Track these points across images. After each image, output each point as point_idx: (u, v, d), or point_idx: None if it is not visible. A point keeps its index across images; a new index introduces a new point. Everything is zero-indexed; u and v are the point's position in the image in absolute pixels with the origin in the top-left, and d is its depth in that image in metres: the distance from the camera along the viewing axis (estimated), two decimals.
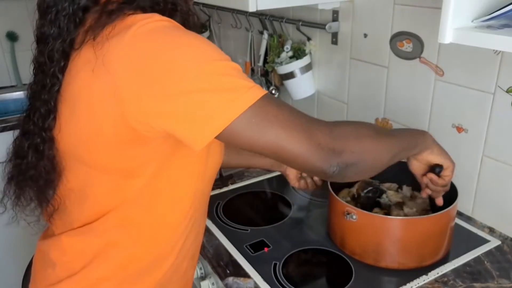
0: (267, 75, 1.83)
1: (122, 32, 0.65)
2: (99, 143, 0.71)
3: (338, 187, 1.12)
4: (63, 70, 0.71)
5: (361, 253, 1.03)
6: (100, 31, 0.67)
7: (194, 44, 0.67)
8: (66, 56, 0.71)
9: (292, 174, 1.14)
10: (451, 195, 1.02)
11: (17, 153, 0.80)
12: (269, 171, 1.46)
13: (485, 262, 1.03)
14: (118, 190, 0.76)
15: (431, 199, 1.04)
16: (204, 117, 0.65)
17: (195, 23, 0.79)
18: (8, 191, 0.83)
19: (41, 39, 0.73)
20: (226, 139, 0.67)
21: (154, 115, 0.66)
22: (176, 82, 0.64)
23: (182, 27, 0.70)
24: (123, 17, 0.68)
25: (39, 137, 0.75)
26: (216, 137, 0.66)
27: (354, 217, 0.99)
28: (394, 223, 1.00)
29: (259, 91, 0.69)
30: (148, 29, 0.65)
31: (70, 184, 0.79)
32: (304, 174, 1.14)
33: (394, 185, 1.19)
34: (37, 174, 0.77)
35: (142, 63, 0.64)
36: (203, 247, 1.12)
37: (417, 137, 0.91)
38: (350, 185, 1.17)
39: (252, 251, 1.08)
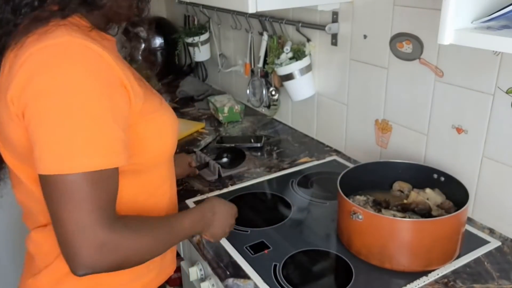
0: (267, 76, 1.83)
1: (34, 43, 0.69)
2: (11, 138, 0.76)
3: (349, 188, 1.11)
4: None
5: (367, 254, 1.03)
6: (24, 37, 0.71)
7: (77, 87, 0.68)
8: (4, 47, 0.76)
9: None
10: (461, 198, 1.02)
11: None
12: (269, 173, 1.46)
13: (485, 263, 1.03)
14: None
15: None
16: (42, 152, 0.68)
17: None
18: None
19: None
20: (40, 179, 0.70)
21: (27, 125, 0.70)
22: (36, 116, 0.68)
23: (84, 58, 0.70)
24: (45, 27, 0.71)
25: None
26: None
27: (360, 217, 0.99)
28: (400, 224, 0.99)
29: (99, 162, 0.69)
30: (47, 52, 0.69)
31: (25, 186, 0.83)
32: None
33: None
34: None
35: (27, 81, 0.68)
36: (203, 248, 1.12)
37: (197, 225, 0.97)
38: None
39: (252, 252, 1.08)
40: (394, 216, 1.04)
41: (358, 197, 1.14)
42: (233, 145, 1.63)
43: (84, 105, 0.68)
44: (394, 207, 1.10)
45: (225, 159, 1.47)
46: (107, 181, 0.70)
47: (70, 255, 0.69)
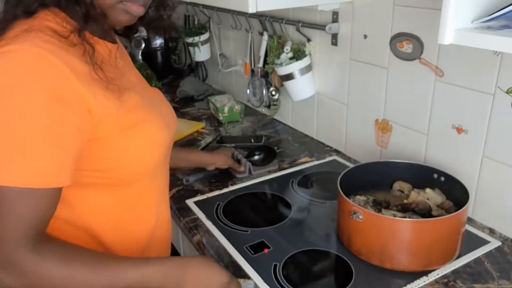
0: (267, 76, 1.83)
1: None
2: None
3: (349, 188, 1.10)
4: None
5: (367, 254, 1.03)
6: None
7: (16, 101, 0.65)
8: None
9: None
10: (461, 198, 1.02)
11: None
12: (269, 173, 1.46)
13: (486, 263, 1.03)
14: None
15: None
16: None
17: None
18: None
19: None
20: None
21: None
22: None
23: (28, 69, 0.66)
24: (14, 30, 0.70)
25: None
26: None
27: (360, 217, 0.99)
28: (400, 224, 0.99)
29: (30, 179, 0.66)
30: (1, 68, 0.66)
31: None
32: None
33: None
34: None
35: None
36: (203, 248, 1.12)
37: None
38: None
39: (252, 252, 1.08)
40: (394, 216, 1.04)
41: (358, 197, 1.14)
42: (256, 145, 1.65)
43: (26, 121, 0.64)
44: (394, 207, 1.10)
45: (256, 157, 1.50)
46: (37, 200, 0.66)
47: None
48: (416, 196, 1.11)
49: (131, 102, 0.79)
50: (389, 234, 0.99)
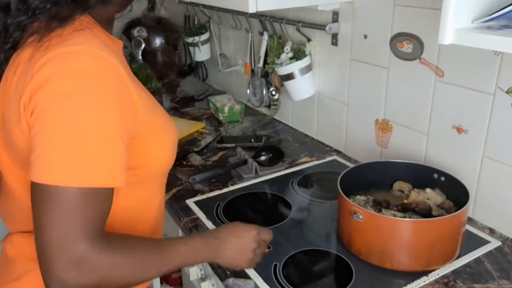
0: (267, 76, 1.83)
1: (57, 46, 0.69)
2: (14, 142, 0.74)
3: (349, 188, 1.10)
4: (9, 53, 0.77)
5: (367, 254, 1.03)
6: (46, 36, 0.70)
7: (89, 105, 0.67)
8: (9, 54, 0.77)
9: None
10: (461, 198, 1.02)
11: None
12: (269, 173, 1.46)
13: (486, 263, 1.03)
14: None
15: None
16: (37, 162, 0.66)
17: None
18: None
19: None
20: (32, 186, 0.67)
21: (32, 130, 0.68)
22: (42, 124, 0.66)
23: (99, 74, 0.69)
24: (69, 26, 0.71)
25: None
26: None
27: (360, 217, 0.99)
28: (400, 224, 0.99)
29: (96, 179, 0.67)
30: (64, 64, 0.68)
31: (14, 194, 0.82)
32: None
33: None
34: None
35: (41, 88, 0.67)
36: None
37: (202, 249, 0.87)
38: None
39: None
40: (394, 216, 1.04)
41: (358, 197, 1.14)
42: (256, 145, 1.65)
43: (95, 119, 0.67)
44: (395, 207, 1.10)
45: (263, 157, 1.50)
46: (100, 199, 0.68)
47: (45, 267, 0.66)
48: (416, 196, 1.11)
49: (150, 102, 0.82)
50: (389, 234, 0.99)
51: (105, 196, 0.69)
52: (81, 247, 0.66)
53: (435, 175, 1.14)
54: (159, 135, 0.84)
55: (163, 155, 0.87)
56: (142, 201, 0.89)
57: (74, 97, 0.66)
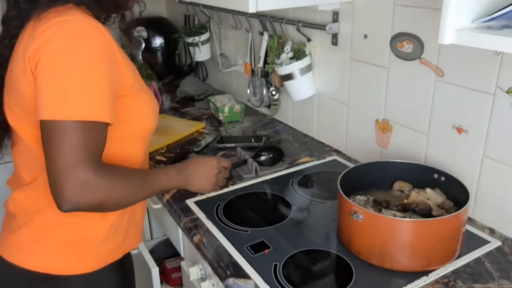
0: (267, 76, 1.83)
1: (56, 18, 0.83)
2: (21, 93, 0.87)
3: (349, 188, 1.10)
4: (12, 46, 0.92)
5: (367, 254, 1.03)
6: (46, 11, 0.86)
7: (84, 52, 0.83)
8: (17, 34, 0.91)
9: None
10: (461, 198, 1.02)
11: None
12: (271, 173, 1.46)
13: (486, 263, 1.03)
14: None
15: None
16: (45, 101, 0.80)
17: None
18: None
19: (4, 21, 0.95)
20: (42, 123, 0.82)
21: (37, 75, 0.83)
22: (47, 67, 0.82)
23: (91, 33, 0.85)
24: (62, 7, 0.87)
25: None
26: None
27: (361, 217, 0.99)
28: (400, 224, 0.99)
29: (95, 113, 0.82)
30: (66, 25, 0.83)
31: (22, 144, 0.94)
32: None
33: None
34: None
35: (44, 42, 0.82)
36: (203, 248, 1.12)
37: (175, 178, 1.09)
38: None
39: (252, 252, 1.08)
40: (395, 216, 1.04)
41: (358, 197, 1.14)
42: (256, 145, 1.65)
43: (88, 67, 0.81)
44: (395, 207, 1.10)
45: (263, 157, 1.50)
46: (96, 131, 0.82)
47: (56, 190, 0.79)
48: (416, 196, 1.11)
49: (134, 72, 0.97)
50: (389, 234, 0.99)
51: (100, 129, 0.83)
52: (85, 171, 0.79)
53: (435, 175, 1.14)
54: (141, 98, 0.98)
55: (144, 116, 1.00)
56: (126, 155, 0.99)
57: (71, 51, 0.81)
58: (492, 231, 1.14)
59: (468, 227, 1.16)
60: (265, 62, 1.77)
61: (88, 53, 0.82)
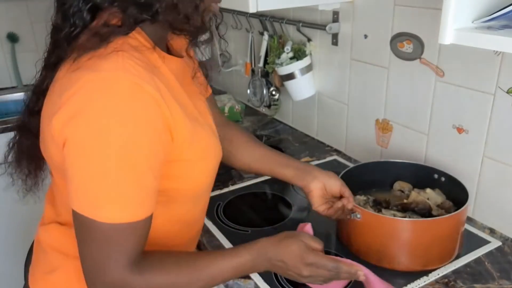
0: (267, 76, 1.83)
1: (91, 69, 0.66)
2: (49, 150, 0.76)
3: (349, 188, 1.08)
4: (54, 69, 0.75)
5: (366, 253, 1.03)
6: (83, 54, 0.68)
7: (123, 137, 0.66)
8: (59, 60, 0.74)
9: (316, 192, 0.98)
10: (461, 198, 1.02)
11: (20, 130, 0.88)
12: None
13: (486, 263, 1.03)
14: None
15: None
16: (82, 197, 0.67)
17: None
18: (12, 164, 0.91)
19: (53, 31, 0.77)
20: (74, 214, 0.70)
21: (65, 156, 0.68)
22: (84, 159, 0.66)
23: (136, 103, 0.66)
24: (108, 46, 0.68)
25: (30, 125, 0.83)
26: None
27: (358, 216, 0.99)
28: (399, 224, 0.99)
29: (132, 214, 0.68)
30: (102, 91, 0.66)
31: (54, 179, 0.84)
32: (330, 197, 1.00)
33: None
34: (29, 157, 0.87)
35: (75, 116, 0.66)
36: (203, 248, 1.12)
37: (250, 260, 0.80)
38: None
39: None
40: (394, 215, 1.04)
41: (358, 196, 1.14)
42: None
43: (126, 156, 0.66)
44: (394, 207, 1.10)
45: None
46: (135, 230, 0.69)
47: (89, 282, 0.70)
48: (416, 196, 1.11)
49: (193, 130, 0.77)
50: (388, 234, 0.99)
51: (141, 226, 0.69)
52: (118, 274, 0.68)
53: (435, 175, 1.14)
54: (194, 163, 0.80)
55: (195, 181, 0.83)
56: (171, 218, 0.84)
57: (105, 133, 0.65)
58: (492, 231, 1.14)
59: (468, 227, 1.16)
60: (265, 62, 1.77)
61: (126, 134, 0.65)
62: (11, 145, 0.90)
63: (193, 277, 0.75)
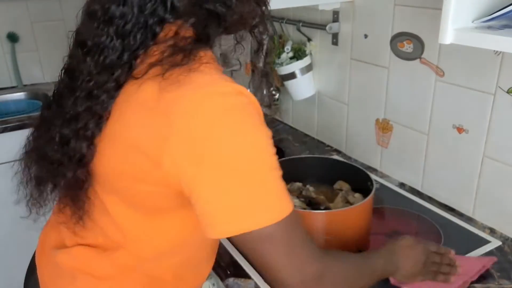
0: (267, 76, 1.83)
1: (194, 84, 0.63)
2: (131, 177, 0.70)
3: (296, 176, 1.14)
4: (116, 91, 0.68)
5: None
6: (172, 70, 0.63)
7: (255, 141, 0.65)
8: (123, 79, 0.68)
9: None
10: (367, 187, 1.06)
11: (46, 155, 0.76)
12: None
13: None
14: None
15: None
16: (235, 214, 0.64)
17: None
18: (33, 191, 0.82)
19: (93, 47, 0.68)
20: (234, 237, 0.66)
21: (190, 185, 0.64)
22: (225, 172, 0.63)
23: (250, 110, 0.65)
24: (196, 60, 0.65)
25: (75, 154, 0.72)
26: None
27: None
28: (311, 216, 1.00)
29: (290, 206, 0.67)
30: (218, 104, 0.62)
31: (96, 200, 0.77)
32: None
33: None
34: (71, 182, 0.74)
35: (202, 136, 0.62)
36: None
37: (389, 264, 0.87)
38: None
39: None
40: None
41: (297, 183, 1.19)
42: None
43: (266, 160, 0.65)
44: (302, 198, 1.14)
45: None
46: (297, 220, 0.69)
47: (294, 284, 0.68)
48: (339, 198, 1.13)
49: None
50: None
51: (297, 216, 0.69)
52: (313, 268, 0.69)
53: (369, 183, 1.09)
54: None
55: None
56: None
57: (244, 144, 0.64)
58: (492, 231, 1.14)
59: (469, 226, 1.16)
60: (265, 62, 1.77)
61: (260, 139, 0.65)
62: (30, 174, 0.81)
63: (360, 271, 0.80)
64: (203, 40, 0.70)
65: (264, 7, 0.76)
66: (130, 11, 0.67)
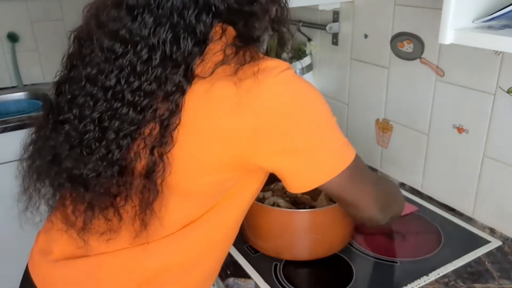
0: None
1: (266, 74, 0.68)
2: (196, 171, 0.72)
3: None
4: (183, 94, 0.68)
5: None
6: (242, 68, 0.68)
7: (319, 103, 0.77)
8: (189, 79, 0.68)
9: None
10: None
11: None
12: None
13: (486, 263, 1.03)
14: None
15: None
16: (314, 170, 0.75)
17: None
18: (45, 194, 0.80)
19: (137, 43, 0.67)
20: (320, 187, 0.76)
21: (273, 160, 0.73)
22: (303, 139, 0.72)
23: (301, 77, 0.77)
24: (256, 56, 0.71)
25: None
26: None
27: None
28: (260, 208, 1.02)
29: (353, 150, 0.79)
30: (286, 81, 0.71)
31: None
32: None
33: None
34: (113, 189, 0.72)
35: (282, 114, 0.70)
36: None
37: None
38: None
39: (252, 251, 1.08)
40: (275, 203, 1.10)
41: (281, 183, 1.19)
42: None
43: (330, 121, 0.78)
44: (287, 198, 1.15)
45: None
46: (361, 161, 0.82)
47: (372, 219, 0.84)
48: (323, 200, 1.13)
49: None
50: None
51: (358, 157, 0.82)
52: (381, 198, 0.85)
53: None
54: None
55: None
56: (237, 218, 0.87)
57: (318, 107, 0.77)
58: (492, 231, 1.14)
59: (469, 226, 1.16)
60: None
61: (324, 104, 0.79)
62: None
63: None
64: (254, 38, 0.77)
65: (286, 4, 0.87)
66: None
